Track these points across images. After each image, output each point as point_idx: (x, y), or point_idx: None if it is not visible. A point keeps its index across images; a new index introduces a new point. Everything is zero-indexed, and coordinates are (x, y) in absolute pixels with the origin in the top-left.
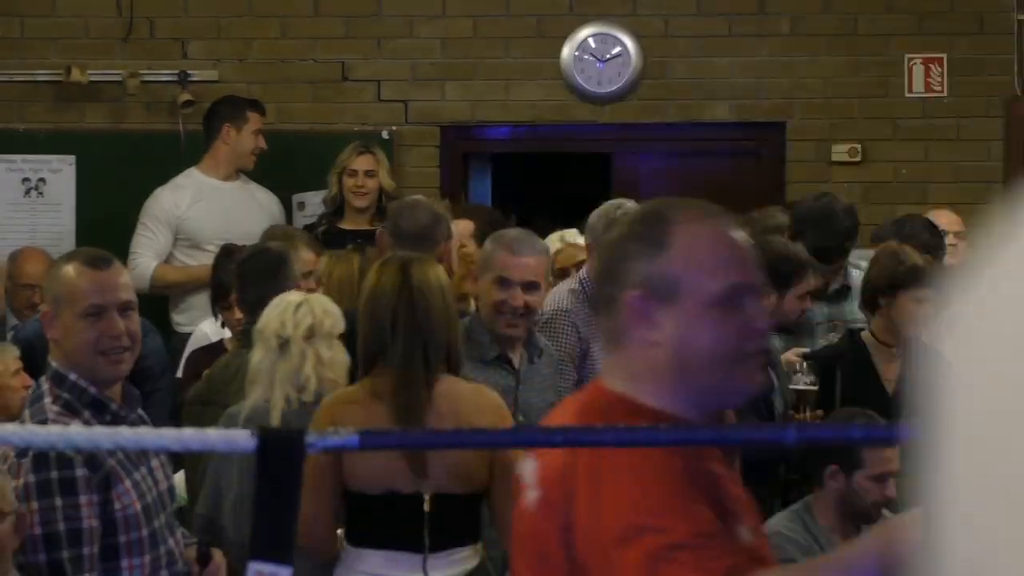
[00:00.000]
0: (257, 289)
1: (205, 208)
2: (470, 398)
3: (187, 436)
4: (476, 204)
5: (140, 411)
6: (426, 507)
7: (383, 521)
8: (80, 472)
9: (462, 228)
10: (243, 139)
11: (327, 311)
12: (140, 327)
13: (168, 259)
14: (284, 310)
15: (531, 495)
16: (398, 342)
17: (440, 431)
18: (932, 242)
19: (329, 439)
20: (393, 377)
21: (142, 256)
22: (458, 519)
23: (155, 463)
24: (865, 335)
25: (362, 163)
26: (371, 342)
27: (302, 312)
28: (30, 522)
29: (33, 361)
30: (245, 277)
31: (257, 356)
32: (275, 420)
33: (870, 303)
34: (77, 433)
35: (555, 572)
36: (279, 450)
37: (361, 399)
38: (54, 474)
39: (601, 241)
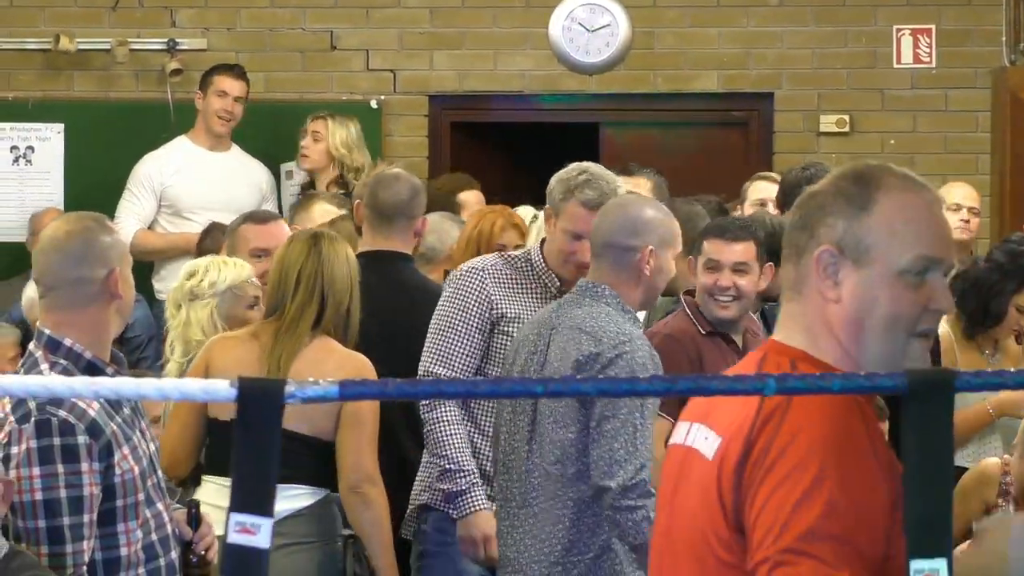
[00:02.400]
0: None
1: (188, 177)
2: (338, 355)
3: (167, 386)
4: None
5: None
6: None
7: (227, 448)
8: (82, 439)
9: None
10: (208, 103)
11: (198, 272)
12: None
13: (151, 225)
14: (179, 275)
15: (704, 446)
16: (296, 298)
17: (418, 381)
18: None
19: (308, 389)
20: (278, 325)
21: (125, 220)
22: (297, 456)
23: (143, 424)
24: None
25: (313, 125)
26: (273, 302)
27: (184, 276)
28: (31, 488)
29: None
30: None
31: (174, 319)
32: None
33: None
34: (56, 382)
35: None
36: (258, 400)
37: (240, 337)
38: (56, 440)
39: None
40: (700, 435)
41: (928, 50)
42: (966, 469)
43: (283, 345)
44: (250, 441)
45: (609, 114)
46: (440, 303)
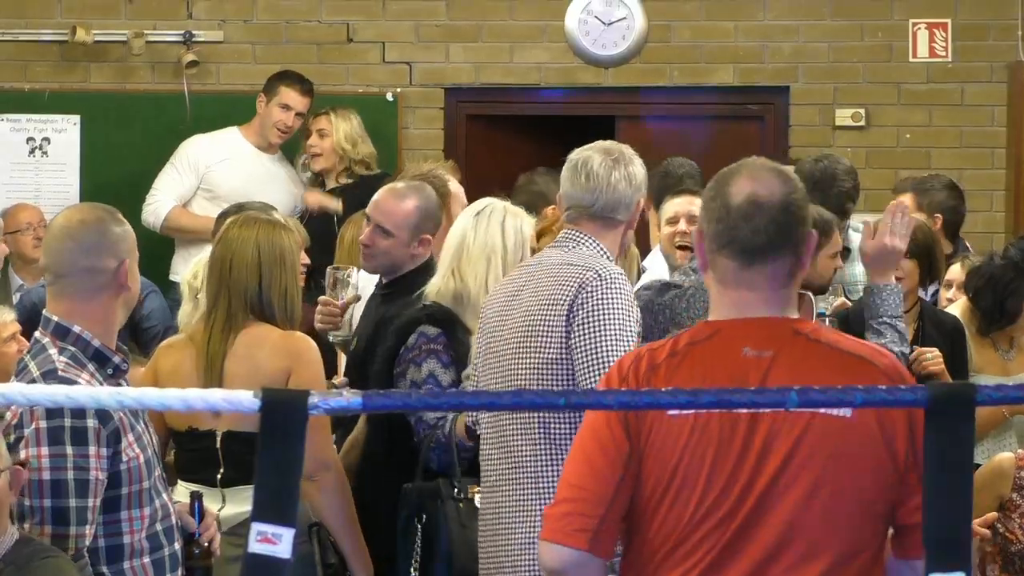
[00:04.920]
0: None
1: (231, 167)
2: (273, 340)
3: (190, 396)
4: None
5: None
6: (217, 443)
7: (187, 456)
8: (91, 423)
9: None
10: (270, 111)
11: None
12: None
13: (186, 204)
14: (199, 262)
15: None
16: (210, 287)
17: (441, 392)
18: (948, 203)
19: (332, 400)
20: (203, 322)
21: (163, 193)
22: (249, 457)
23: (146, 416)
24: None
25: (316, 123)
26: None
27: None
28: (39, 467)
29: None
30: None
31: (182, 308)
32: None
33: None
34: (80, 392)
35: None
36: (282, 411)
37: (180, 343)
38: (67, 422)
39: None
40: None
41: (944, 44)
42: (979, 466)
43: (209, 349)
44: (273, 451)
45: (625, 107)
46: (605, 315)
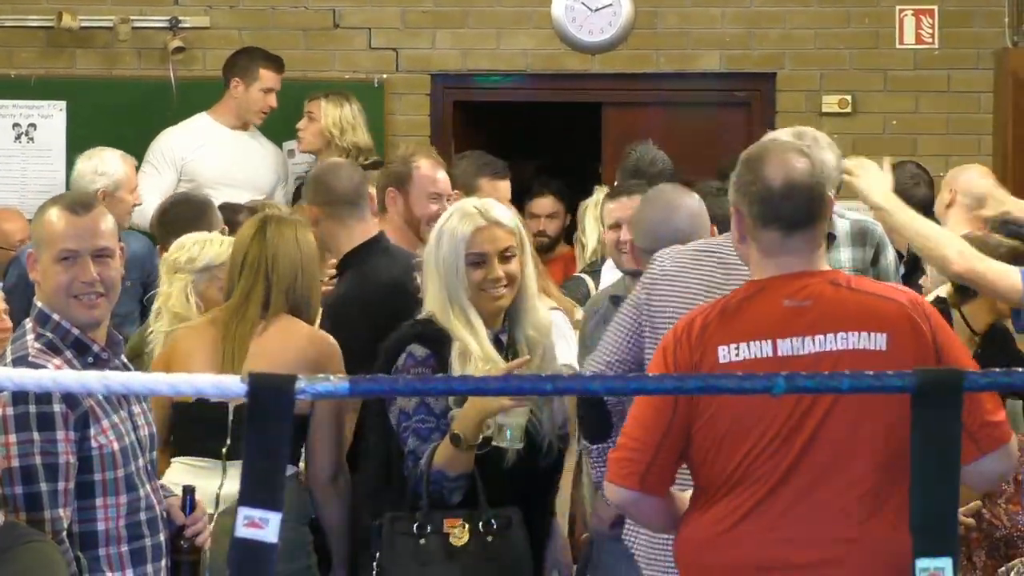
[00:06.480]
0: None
1: (209, 153)
2: (302, 336)
3: (177, 381)
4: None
5: (123, 358)
6: (230, 416)
7: (191, 428)
8: (58, 408)
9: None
10: (250, 96)
11: (185, 246)
12: (118, 274)
13: None
14: (178, 242)
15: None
16: (241, 283)
17: (430, 378)
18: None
19: (319, 385)
20: (232, 310)
21: (146, 193)
22: None
23: (136, 409)
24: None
25: (308, 106)
26: (228, 287)
27: (175, 247)
28: (7, 455)
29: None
30: (167, 225)
31: (161, 287)
32: (156, 351)
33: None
34: (68, 377)
35: None
36: (269, 396)
37: (198, 327)
38: (32, 408)
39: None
40: (850, 339)
41: (931, 31)
42: None
43: (236, 330)
44: (260, 436)
45: (611, 94)
46: None
